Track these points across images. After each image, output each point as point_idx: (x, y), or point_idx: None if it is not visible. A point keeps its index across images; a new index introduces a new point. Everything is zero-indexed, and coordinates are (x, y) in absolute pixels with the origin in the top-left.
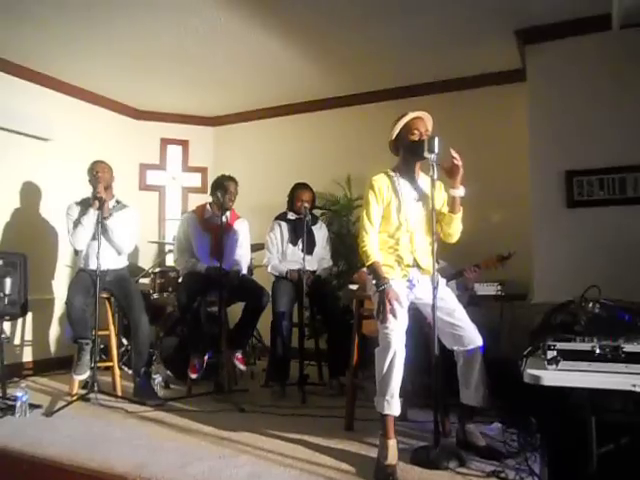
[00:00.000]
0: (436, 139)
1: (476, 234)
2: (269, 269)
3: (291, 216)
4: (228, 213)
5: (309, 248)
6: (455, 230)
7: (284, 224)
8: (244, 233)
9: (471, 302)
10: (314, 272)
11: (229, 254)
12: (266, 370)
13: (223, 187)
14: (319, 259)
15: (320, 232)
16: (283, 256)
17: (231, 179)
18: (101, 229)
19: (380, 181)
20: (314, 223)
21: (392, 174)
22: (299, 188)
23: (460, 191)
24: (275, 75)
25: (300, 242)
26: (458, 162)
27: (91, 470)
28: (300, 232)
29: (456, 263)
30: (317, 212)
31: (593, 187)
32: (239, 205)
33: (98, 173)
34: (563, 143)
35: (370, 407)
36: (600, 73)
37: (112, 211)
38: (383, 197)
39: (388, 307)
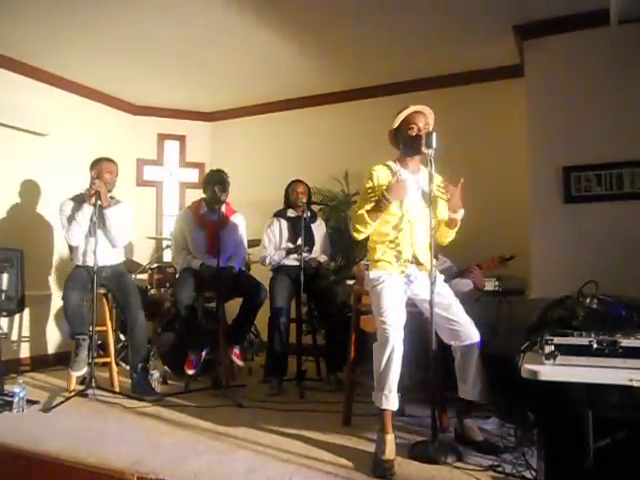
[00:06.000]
0: (434, 134)
1: (474, 230)
2: (267, 262)
3: (290, 213)
4: (224, 208)
5: (308, 246)
6: (445, 239)
7: (283, 221)
8: (240, 228)
9: (470, 297)
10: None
11: (225, 250)
12: (264, 366)
13: (221, 182)
14: (318, 256)
15: (319, 229)
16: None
17: (224, 172)
18: (99, 220)
19: (379, 171)
20: (313, 221)
21: (393, 165)
22: (294, 182)
23: (459, 214)
24: (272, 71)
25: (299, 240)
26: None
27: (89, 466)
28: (299, 229)
29: (456, 261)
30: (315, 208)
31: (591, 183)
32: (236, 200)
33: (107, 175)
34: (561, 139)
35: (368, 402)
36: (598, 68)
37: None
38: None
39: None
